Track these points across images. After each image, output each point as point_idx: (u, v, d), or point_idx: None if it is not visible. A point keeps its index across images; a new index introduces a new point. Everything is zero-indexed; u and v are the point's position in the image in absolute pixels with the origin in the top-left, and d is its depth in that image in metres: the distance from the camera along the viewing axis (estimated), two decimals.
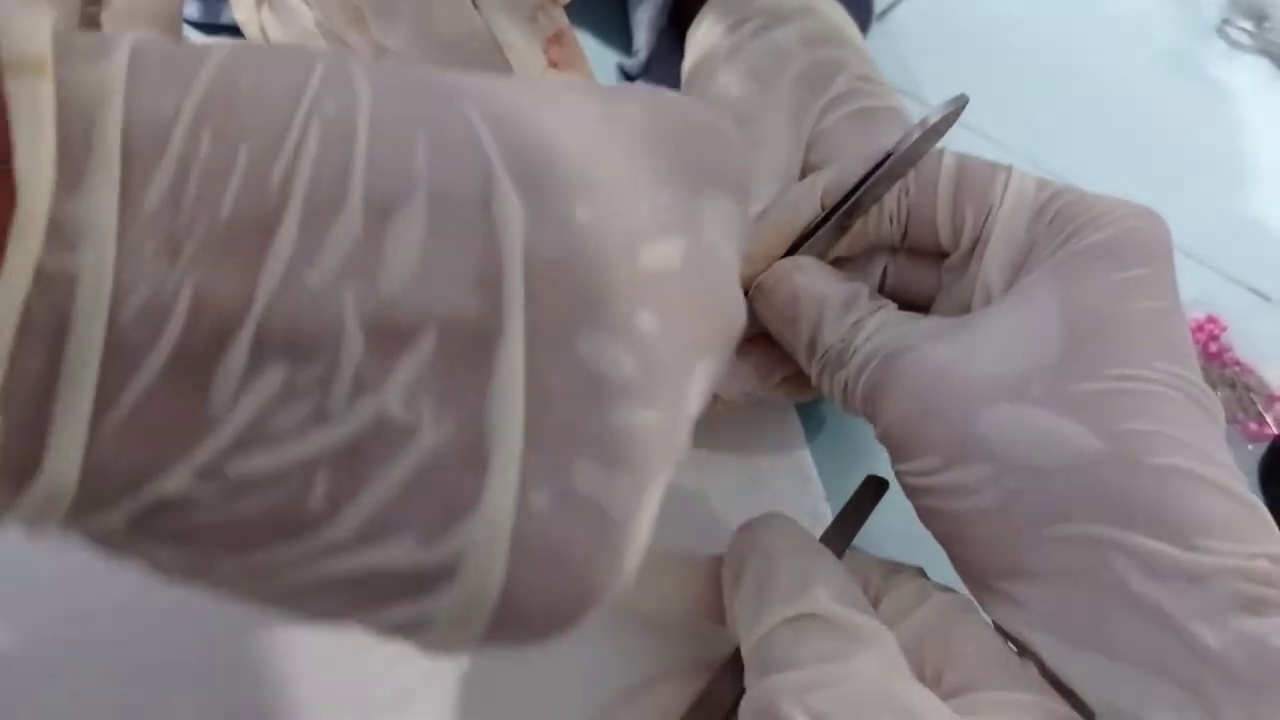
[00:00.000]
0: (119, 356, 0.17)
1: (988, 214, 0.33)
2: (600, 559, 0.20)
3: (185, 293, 0.17)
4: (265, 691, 0.32)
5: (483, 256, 0.19)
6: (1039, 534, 0.28)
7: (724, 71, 0.45)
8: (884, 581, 0.31)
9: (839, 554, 0.31)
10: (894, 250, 0.36)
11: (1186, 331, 0.31)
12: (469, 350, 0.19)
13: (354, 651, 0.34)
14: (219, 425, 0.17)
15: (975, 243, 0.33)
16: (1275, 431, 0.47)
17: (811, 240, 0.34)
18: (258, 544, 0.18)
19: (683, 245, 0.21)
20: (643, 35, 0.51)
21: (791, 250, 0.35)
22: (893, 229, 0.34)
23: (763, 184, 0.41)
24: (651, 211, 0.21)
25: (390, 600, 0.19)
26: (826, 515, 0.39)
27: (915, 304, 0.35)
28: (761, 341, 0.36)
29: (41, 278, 0.16)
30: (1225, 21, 0.66)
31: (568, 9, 0.34)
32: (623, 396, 0.20)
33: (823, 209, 0.34)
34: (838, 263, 0.35)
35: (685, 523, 0.39)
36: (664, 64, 0.51)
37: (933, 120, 0.33)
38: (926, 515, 0.31)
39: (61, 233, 0.16)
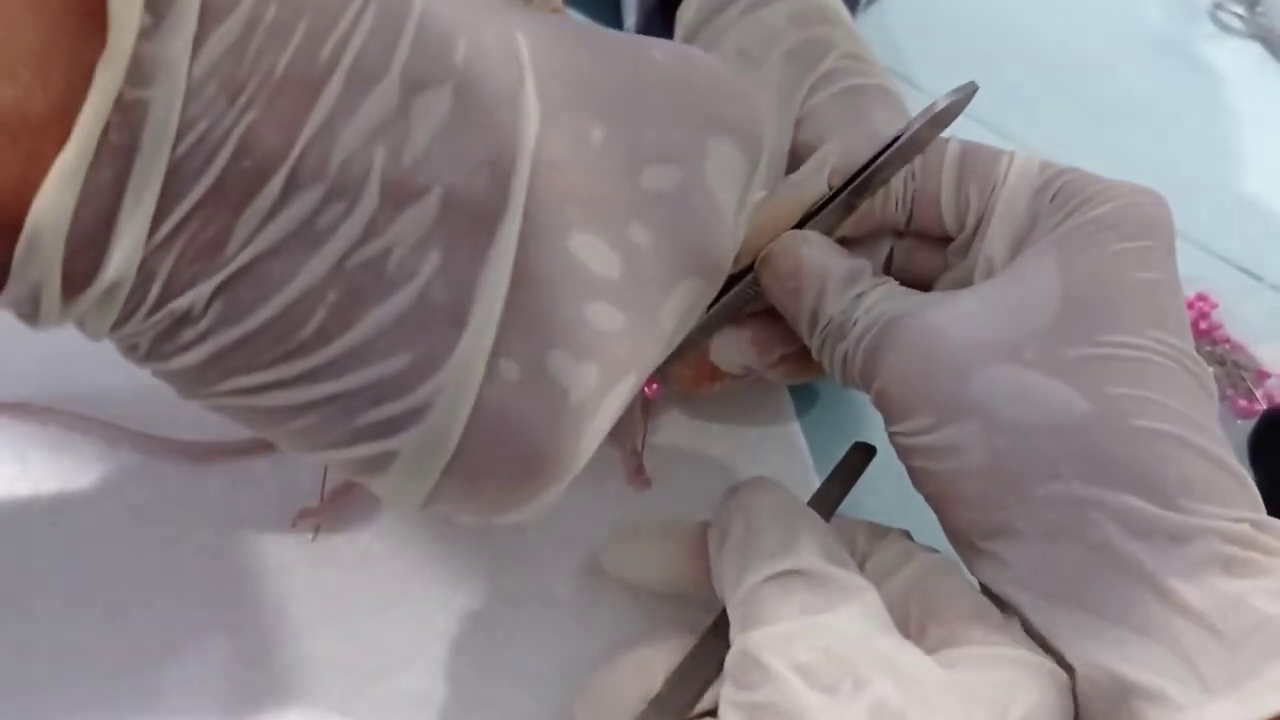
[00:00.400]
0: (174, 180, 0.20)
1: (991, 194, 0.33)
2: (556, 438, 0.23)
3: (237, 131, 0.20)
4: (254, 658, 0.33)
5: (496, 146, 0.22)
6: (1025, 493, 0.28)
7: (712, 50, 0.45)
8: (869, 544, 0.31)
9: (825, 518, 0.31)
10: (899, 234, 0.36)
11: (1182, 304, 0.31)
12: (472, 222, 0.22)
13: (343, 620, 0.34)
14: (244, 248, 0.20)
15: (979, 225, 0.33)
16: (1265, 407, 0.47)
17: (818, 218, 0.34)
18: (258, 363, 0.21)
19: (681, 174, 0.24)
20: (632, 17, 0.51)
21: (798, 227, 0.35)
22: (898, 212, 0.35)
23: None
24: (659, 140, 0.24)
25: (361, 435, 0.22)
26: (815, 487, 0.39)
27: (919, 286, 0.35)
28: (763, 317, 0.36)
29: (120, 105, 0.19)
30: (1217, 6, 0.66)
31: None
32: (602, 293, 0.23)
33: (830, 188, 0.34)
34: (844, 244, 0.35)
35: (674, 493, 0.40)
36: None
37: (941, 106, 0.33)
38: (917, 476, 0.31)
39: (141, 69, 0.19)
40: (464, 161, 0.22)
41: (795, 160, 0.42)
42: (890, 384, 0.31)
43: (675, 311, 0.25)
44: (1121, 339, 0.29)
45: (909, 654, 0.26)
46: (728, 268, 0.26)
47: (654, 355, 0.25)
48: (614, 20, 0.54)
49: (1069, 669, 0.28)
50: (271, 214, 0.20)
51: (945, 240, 0.35)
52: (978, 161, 0.33)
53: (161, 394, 0.37)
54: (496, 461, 0.23)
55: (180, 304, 0.20)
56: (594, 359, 0.23)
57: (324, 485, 0.36)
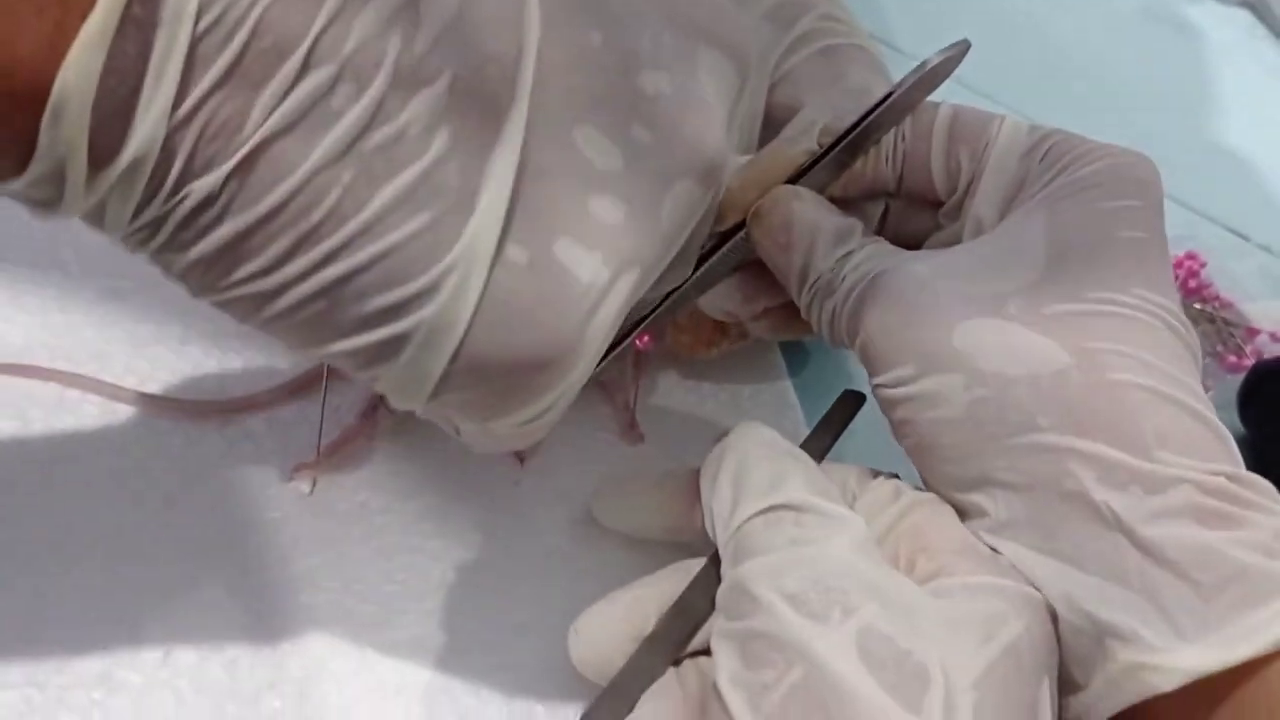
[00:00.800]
0: (194, 56, 0.21)
1: (981, 156, 0.33)
2: (564, 323, 0.24)
3: (256, 11, 0.21)
4: (254, 608, 0.33)
5: (503, 41, 0.23)
6: (1004, 443, 0.29)
7: None
8: (860, 485, 0.31)
9: (816, 462, 0.32)
10: (891, 196, 0.36)
11: (1168, 263, 0.31)
12: (480, 111, 0.23)
13: (341, 570, 0.34)
14: (260, 127, 0.21)
15: (969, 187, 0.34)
16: (1253, 362, 0.47)
17: (808, 175, 0.34)
18: (273, 246, 0.22)
19: (676, 79, 0.25)
20: None
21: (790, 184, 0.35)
22: (889, 172, 0.35)
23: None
24: (654, 46, 0.25)
25: (372, 320, 0.23)
26: None
27: (911, 248, 0.35)
28: (753, 268, 0.36)
29: None
30: None
31: None
32: (605, 187, 0.24)
33: (820, 147, 0.34)
34: (836, 205, 0.36)
35: (666, 449, 0.40)
36: None
37: (933, 64, 0.33)
38: (899, 428, 0.31)
39: None
40: (472, 54, 0.23)
41: (772, 122, 0.42)
42: (874, 335, 0.31)
43: (674, 212, 0.26)
44: (1106, 295, 0.29)
45: (897, 582, 0.27)
46: (722, 175, 0.27)
47: (655, 253, 0.26)
48: None
49: (1052, 611, 0.28)
50: (287, 93, 0.21)
51: (937, 204, 0.35)
52: (968, 125, 0.34)
53: (159, 353, 0.38)
54: (505, 346, 0.24)
55: (199, 185, 0.21)
56: (599, 249, 0.24)
57: (320, 439, 0.36)
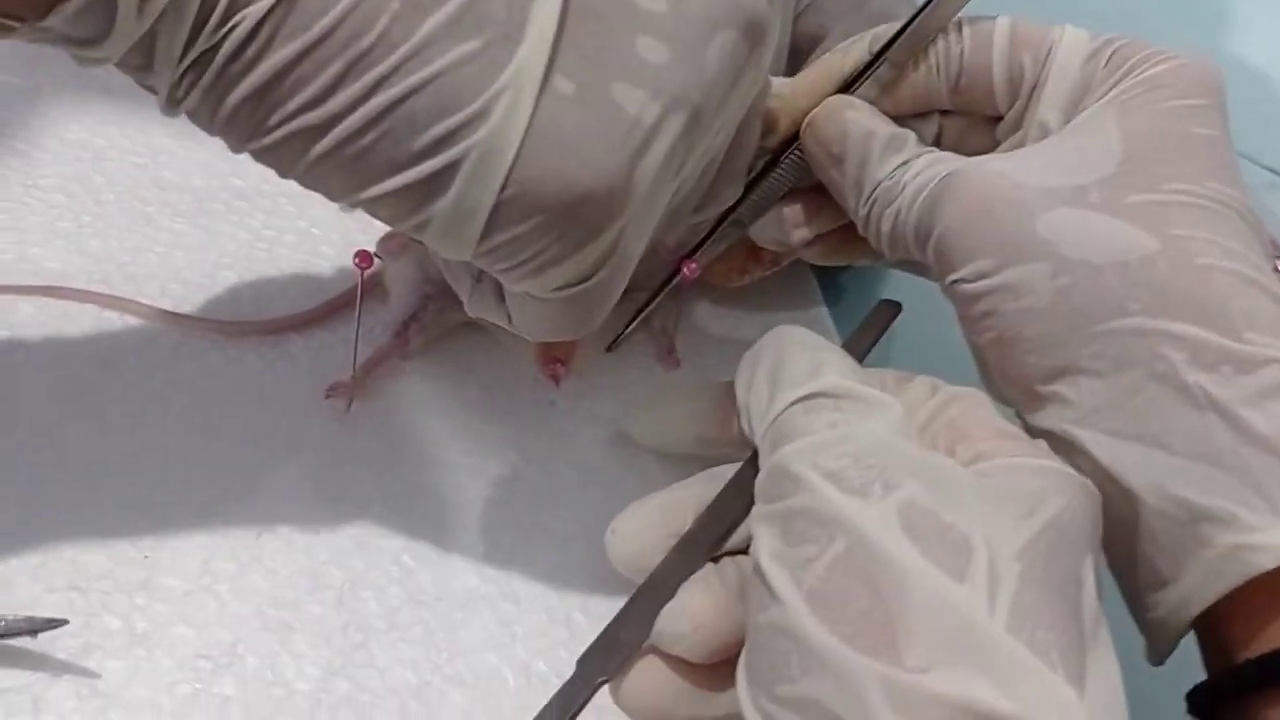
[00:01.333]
0: None
1: (1045, 61, 0.33)
2: (612, 156, 0.24)
3: None
4: (294, 520, 0.33)
5: None
6: (1091, 330, 0.29)
7: None
8: (896, 385, 0.31)
9: None
10: (943, 113, 0.36)
11: (1235, 160, 0.31)
12: None
13: (380, 482, 0.34)
14: None
15: (1031, 94, 0.33)
16: None
17: (861, 85, 0.34)
18: (322, 75, 0.23)
19: None
20: None
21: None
22: (942, 84, 0.34)
23: None
24: None
25: (422, 153, 0.24)
26: None
27: None
28: (801, 194, 0.36)
29: None
30: None
31: None
32: (650, 27, 0.25)
33: (870, 53, 0.34)
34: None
35: (702, 374, 0.40)
36: None
37: None
38: (976, 323, 0.31)
39: None
40: None
41: (799, 51, 0.42)
42: (951, 230, 0.31)
43: (719, 59, 0.26)
44: (1184, 186, 0.29)
45: (938, 460, 0.26)
46: (767, 38, 0.28)
47: (702, 97, 0.26)
48: None
49: (1135, 502, 0.28)
50: None
51: (993, 119, 0.35)
52: (1030, 31, 0.33)
53: (193, 278, 0.38)
54: (555, 174, 0.24)
55: (251, 10, 0.22)
56: (646, 86, 0.25)
57: (355, 357, 0.36)
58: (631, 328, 0.39)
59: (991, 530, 0.25)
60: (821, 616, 0.24)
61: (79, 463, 0.33)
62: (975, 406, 0.29)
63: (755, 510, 0.28)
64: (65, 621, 0.29)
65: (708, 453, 0.34)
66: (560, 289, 0.27)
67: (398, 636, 0.31)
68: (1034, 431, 0.31)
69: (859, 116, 0.33)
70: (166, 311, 0.36)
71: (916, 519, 0.25)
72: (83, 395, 0.34)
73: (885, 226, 0.33)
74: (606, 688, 0.28)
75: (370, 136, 0.23)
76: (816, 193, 0.36)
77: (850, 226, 0.40)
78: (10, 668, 0.28)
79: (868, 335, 0.34)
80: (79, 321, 0.36)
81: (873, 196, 0.33)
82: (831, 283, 0.45)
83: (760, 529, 0.27)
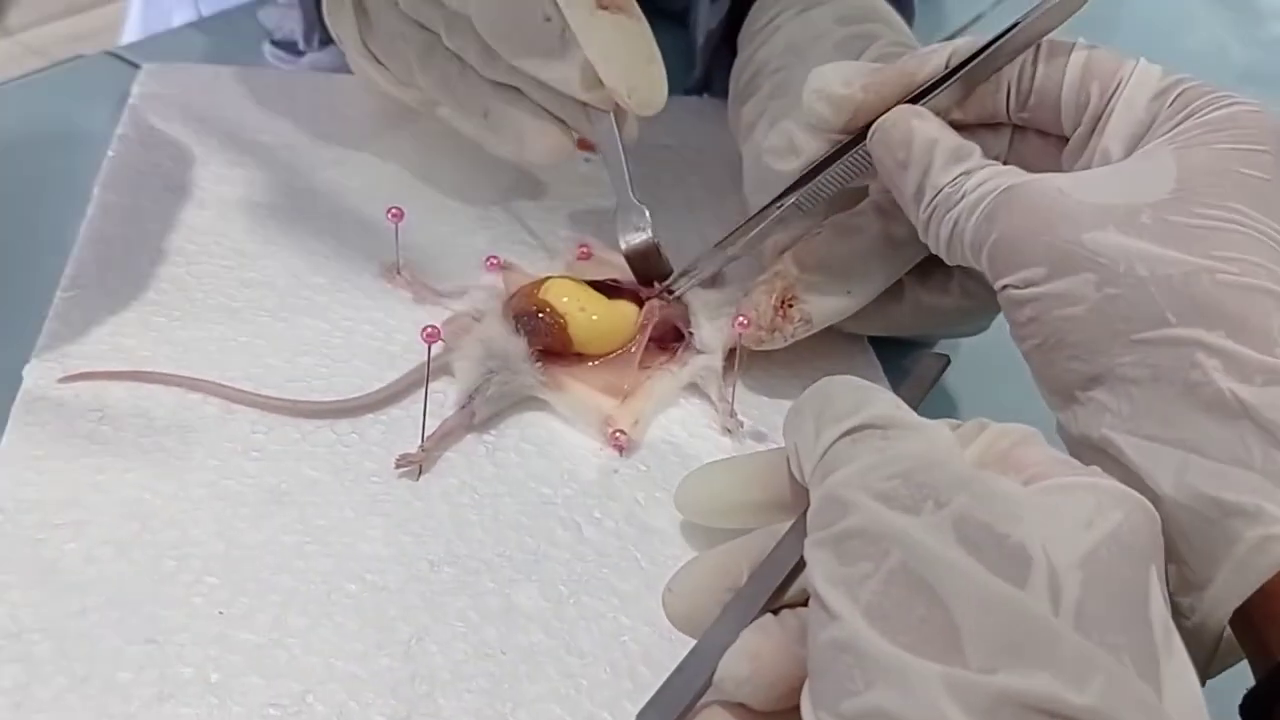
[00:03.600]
0: None
1: (1112, 94, 0.35)
2: None
3: None
4: (365, 580, 0.34)
5: None
6: (1132, 338, 0.30)
7: (764, 50, 0.49)
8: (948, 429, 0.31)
9: None
10: (1018, 129, 0.38)
11: None
12: None
13: (450, 545, 0.35)
14: None
15: (1096, 122, 0.35)
16: None
17: (932, 97, 0.36)
18: None
19: None
20: (700, 38, 0.56)
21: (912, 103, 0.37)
22: (1010, 100, 0.36)
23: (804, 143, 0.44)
24: None
25: None
26: None
27: None
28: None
29: None
30: None
31: None
32: None
33: (946, 67, 0.36)
34: (955, 129, 0.37)
35: (761, 439, 0.41)
36: (721, 74, 0.55)
37: None
38: (1023, 328, 0.32)
39: None
40: None
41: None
42: (1007, 237, 0.32)
43: None
44: (1230, 215, 0.30)
45: (990, 476, 0.26)
46: None
47: None
48: (683, 36, 0.58)
49: (1168, 505, 0.28)
50: None
51: (1056, 139, 0.36)
52: (1104, 62, 0.35)
53: (274, 364, 0.40)
54: None
55: None
56: None
57: (424, 429, 0.38)
58: (695, 277, 0.41)
59: (1050, 541, 0.24)
60: (881, 629, 0.23)
61: (161, 525, 0.34)
62: (1025, 441, 0.30)
63: (808, 540, 0.28)
64: None
65: (758, 522, 0.34)
66: None
67: (463, 688, 0.31)
68: (1072, 441, 0.32)
69: (925, 126, 0.35)
70: (246, 392, 0.38)
71: (971, 531, 0.24)
72: (166, 465, 0.36)
73: (944, 231, 0.34)
74: None
75: None
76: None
77: (885, 294, 0.42)
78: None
79: (918, 387, 0.35)
80: (164, 401, 0.38)
81: (934, 202, 0.35)
82: (890, 357, 0.46)
83: (813, 555, 0.26)
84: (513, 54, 0.40)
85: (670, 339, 0.43)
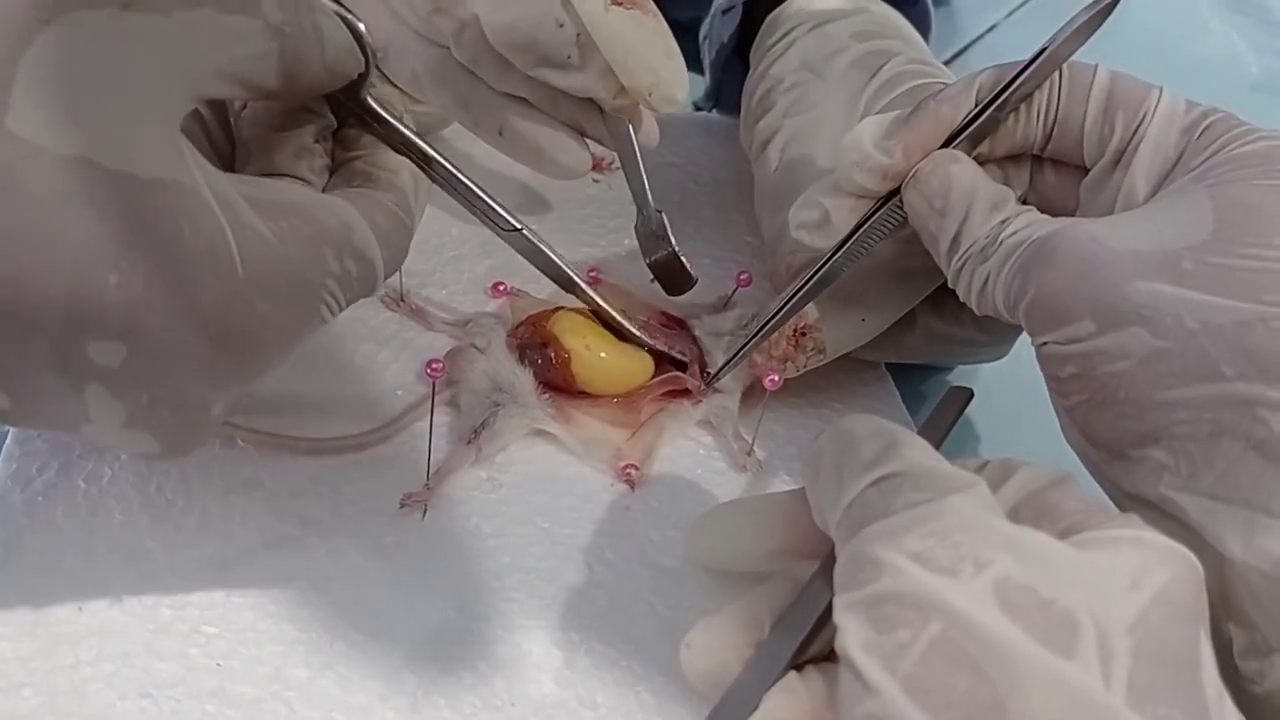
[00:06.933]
0: None
1: (1138, 126, 0.33)
2: None
3: None
4: (369, 626, 0.33)
5: None
6: (1186, 394, 0.28)
7: (778, 65, 0.47)
8: (975, 469, 0.30)
9: None
10: (1036, 159, 0.36)
11: None
12: None
13: (456, 588, 0.34)
14: None
15: (1120, 155, 0.34)
16: None
17: (965, 135, 0.35)
18: None
19: None
20: (712, 54, 0.54)
21: (946, 145, 0.35)
22: (1038, 130, 0.35)
23: (821, 163, 0.42)
24: None
25: None
26: None
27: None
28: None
29: None
30: None
31: None
32: None
33: (976, 103, 0.35)
34: (980, 164, 0.36)
35: (780, 479, 0.39)
36: (731, 89, 0.54)
37: (1081, 20, 0.33)
38: (1068, 385, 0.31)
39: None
40: None
41: None
42: (1045, 292, 0.31)
43: None
44: (1275, 255, 0.29)
45: (1029, 534, 0.25)
46: None
47: None
48: (692, 47, 0.56)
49: (1234, 566, 0.27)
50: None
51: (1073, 170, 0.35)
52: (1128, 92, 0.34)
53: (268, 396, 0.39)
54: None
55: None
56: None
57: (429, 465, 0.36)
58: (736, 360, 0.40)
59: (1097, 604, 0.23)
60: (922, 704, 0.22)
61: (157, 571, 0.33)
62: (1060, 485, 0.28)
63: (837, 601, 0.26)
64: None
65: (775, 568, 0.32)
66: None
67: None
68: (1122, 495, 0.30)
69: (964, 172, 0.34)
70: (243, 428, 0.37)
71: (1013, 595, 0.23)
72: (162, 507, 0.35)
73: (976, 283, 0.33)
74: None
75: None
76: None
77: (898, 322, 0.40)
78: None
79: (941, 422, 0.33)
80: None
81: (968, 253, 0.33)
82: (911, 389, 0.45)
83: (845, 619, 0.25)
84: (528, 64, 0.38)
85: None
